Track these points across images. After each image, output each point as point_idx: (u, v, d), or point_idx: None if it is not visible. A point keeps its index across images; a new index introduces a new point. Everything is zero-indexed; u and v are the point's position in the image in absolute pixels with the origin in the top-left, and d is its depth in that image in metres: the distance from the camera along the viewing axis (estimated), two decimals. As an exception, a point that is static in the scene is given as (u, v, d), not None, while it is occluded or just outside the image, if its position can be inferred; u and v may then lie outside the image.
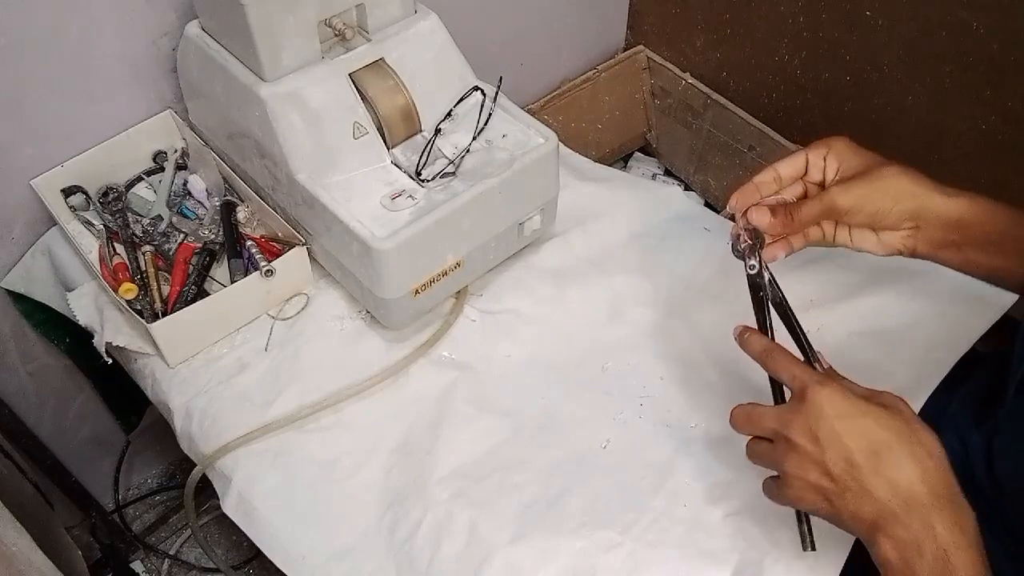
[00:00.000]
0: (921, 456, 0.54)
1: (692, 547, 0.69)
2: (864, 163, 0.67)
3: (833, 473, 0.56)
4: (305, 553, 0.72)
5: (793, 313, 0.64)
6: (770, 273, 0.64)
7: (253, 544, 0.74)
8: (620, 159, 1.64)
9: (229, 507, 0.76)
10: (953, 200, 0.65)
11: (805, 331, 0.64)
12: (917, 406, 0.70)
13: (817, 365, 0.61)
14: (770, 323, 0.64)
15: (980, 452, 0.62)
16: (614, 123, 1.55)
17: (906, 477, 0.54)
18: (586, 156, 1.07)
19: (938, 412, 0.69)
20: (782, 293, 0.64)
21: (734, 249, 0.66)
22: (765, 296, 0.64)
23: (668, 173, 1.62)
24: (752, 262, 0.64)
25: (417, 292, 0.80)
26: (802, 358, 0.62)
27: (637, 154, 1.65)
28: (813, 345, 0.64)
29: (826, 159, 0.68)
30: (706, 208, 1.05)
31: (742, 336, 0.64)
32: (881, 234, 0.68)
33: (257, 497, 0.76)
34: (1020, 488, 0.57)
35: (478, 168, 0.81)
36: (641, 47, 1.52)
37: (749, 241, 0.64)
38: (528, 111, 1.08)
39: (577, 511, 0.72)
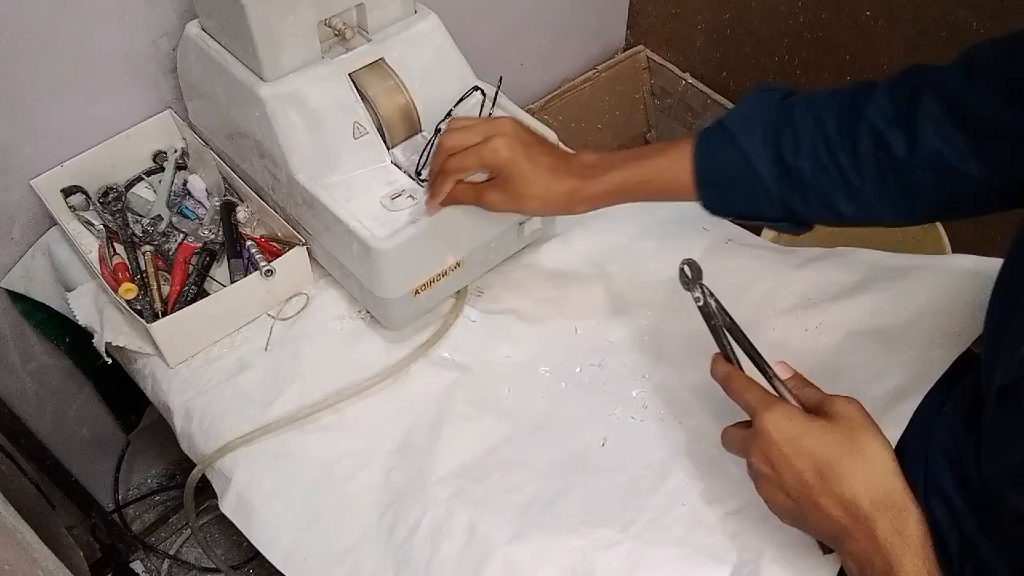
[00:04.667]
0: (860, 468, 0.55)
1: (691, 545, 0.69)
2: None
3: (792, 495, 0.57)
4: (304, 554, 0.72)
5: (743, 333, 0.64)
6: (716, 300, 0.64)
7: (253, 544, 0.74)
8: (620, 159, 1.64)
9: (228, 507, 0.76)
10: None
11: (757, 347, 0.64)
12: (913, 405, 0.70)
13: (775, 380, 0.62)
14: (730, 348, 0.65)
15: (972, 452, 0.62)
16: (614, 123, 1.55)
17: (848, 491, 0.55)
18: (586, 156, 1.07)
19: (934, 412, 0.69)
20: (730, 316, 0.65)
21: (681, 282, 0.66)
22: (717, 323, 0.64)
23: (668, 173, 1.62)
24: (696, 294, 0.64)
25: (417, 292, 0.80)
26: (762, 377, 0.63)
27: (637, 154, 1.65)
28: (766, 359, 0.64)
29: None
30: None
31: (712, 363, 0.65)
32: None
33: (256, 497, 0.76)
34: (1006, 491, 0.57)
35: (478, 168, 0.81)
36: (641, 47, 1.52)
37: (688, 275, 0.64)
38: (528, 111, 1.08)
39: (576, 510, 0.72)
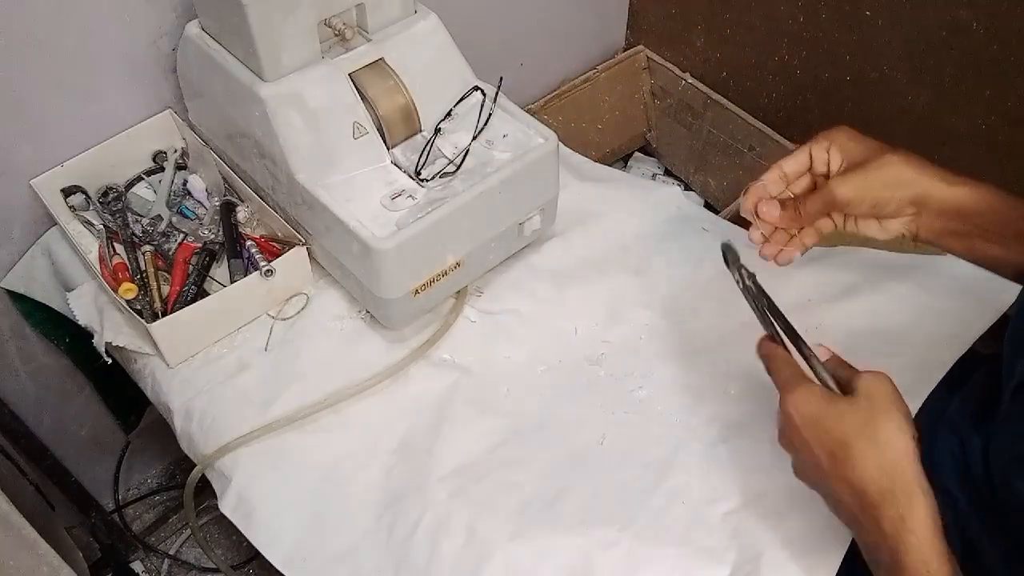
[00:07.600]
0: (871, 453, 0.54)
1: (690, 545, 0.69)
2: (866, 152, 0.66)
3: (811, 479, 0.57)
4: (304, 554, 0.72)
5: (781, 313, 0.64)
6: (754, 282, 0.65)
7: (253, 544, 0.74)
8: (620, 159, 1.64)
9: (228, 507, 0.76)
10: (954, 189, 0.64)
11: (794, 327, 0.64)
12: (915, 406, 0.70)
13: (812, 359, 0.61)
14: (772, 325, 0.64)
15: (978, 453, 0.62)
16: (614, 123, 1.55)
17: (858, 477, 0.54)
18: (586, 156, 1.07)
19: (937, 412, 0.69)
20: (768, 297, 0.65)
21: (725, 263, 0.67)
22: (760, 304, 0.64)
23: (668, 173, 1.62)
24: (735, 276, 0.65)
25: (417, 292, 0.80)
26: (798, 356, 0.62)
27: (637, 154, 1.65)
28: (805, 339, 0.64)
29: (829, 152, 0.68)
30: (705, 208, 1.05)
31: (758, 343, 0.64)
32: (884, 221, 0.68)
33: (256, 497, 0.76)
34: (1013, 490, 0.57)
35: (478, 168, 0.81)
36: (641, 47, 1.52)
37: (726, 257, 0.65)
38: (528, 111, 1.08)
39: (576, 509, 0.72)
